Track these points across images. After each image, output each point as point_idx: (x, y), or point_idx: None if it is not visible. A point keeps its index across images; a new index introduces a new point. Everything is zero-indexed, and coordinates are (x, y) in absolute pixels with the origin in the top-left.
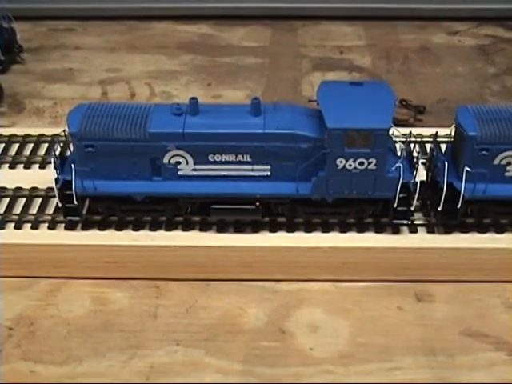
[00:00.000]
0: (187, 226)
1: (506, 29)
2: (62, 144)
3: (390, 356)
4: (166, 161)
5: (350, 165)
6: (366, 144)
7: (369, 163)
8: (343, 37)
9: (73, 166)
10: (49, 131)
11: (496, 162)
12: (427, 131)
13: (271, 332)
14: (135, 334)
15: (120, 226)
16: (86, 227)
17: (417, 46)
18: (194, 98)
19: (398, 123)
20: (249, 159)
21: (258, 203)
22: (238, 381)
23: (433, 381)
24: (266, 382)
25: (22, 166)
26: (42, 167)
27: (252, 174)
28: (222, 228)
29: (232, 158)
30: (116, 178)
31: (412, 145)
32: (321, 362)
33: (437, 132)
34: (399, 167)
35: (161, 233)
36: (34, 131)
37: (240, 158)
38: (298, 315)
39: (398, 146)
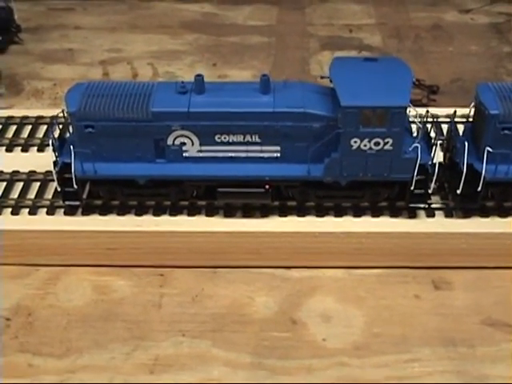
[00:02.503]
0: (193, 211)
1: None
2: (61, 125)
3: (407, 347)
4: (170, 142)
5: (365, 145)
6: (382, 123)
7: (385, 143)
8: (352, 15)
9: (72, 147)
10: (48, 113)
11: None
12: (442, 111)
13: (281, 322)
14: (138, 325)
15: (122, 211)
16: (86, 212)
17: (428, 25)
18: (199, 75)
19: (412, 103)
20: (258, 140)
21: (267, 186)
22: (248, 374)
23: (453, 373)
24: (277, 376)
25: (20, 148)
26: (40, 150)
27: (261, 155)
28: (229, 212)
29: (240, 138)
30: (117, 160)
31: (429, 125)
32: (334, 353)
33: (455, 111)
34: (417, 148)
35: (165, 218)
36: (32, 113)
37: (248, 138)
38: (309, 304)
39: (414, 126)
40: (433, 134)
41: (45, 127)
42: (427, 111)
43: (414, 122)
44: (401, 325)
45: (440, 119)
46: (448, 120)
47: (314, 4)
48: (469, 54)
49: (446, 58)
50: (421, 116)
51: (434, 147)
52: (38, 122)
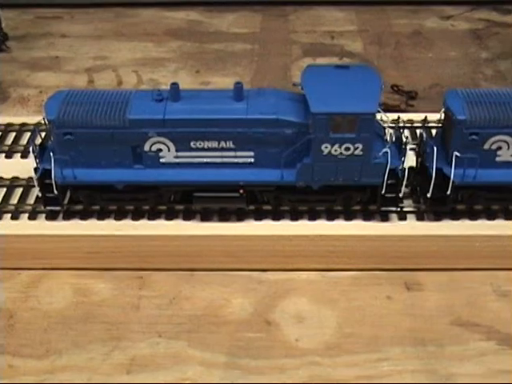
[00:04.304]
0: (170, 215)
1: (500, 12)
2: (43, 132)
3: (378, 347)
4: (147, 148)
5: (336, 150)
6: (351, 129)
7: (355, 148)
8: (335, 22)
9: (52, 154)
10: (32, 120)
11: (486, 146)
12: (419, 116)
13: (256, 323)
14: (117, 326)
15: (102, 216)
16: (67, 217)
17: (409, 31)
18: (175, 84)
19: (390, 109)
20: (232, 145)
21: (241, 191)
22: (222, 373)
23: (422, 372)
24: (250, 375)
25: (4, 155)
26: (23, 156)
27: (235, 160)
28: (205, 217)
29: (214, 144)
30: (96, 166)
31: (401, 130)
32: (307, 353)
33: (426, 117)
34: (386, 153)
35: (144, 222)
36: (17, 120)
37: (223, 144)
38: (283, 306)
39: (387, 131)
40: (404, 139)
41: (29, 134)
42: (398, 117)
43: (385, 128)
44: (372, 325)
45: (415, 124)
46: (419, 125)
47: (298, 11)
48: (448, 59)
49: (425, 63)
50: (393, 121)
51: (404, 152)
52: (22, 128)
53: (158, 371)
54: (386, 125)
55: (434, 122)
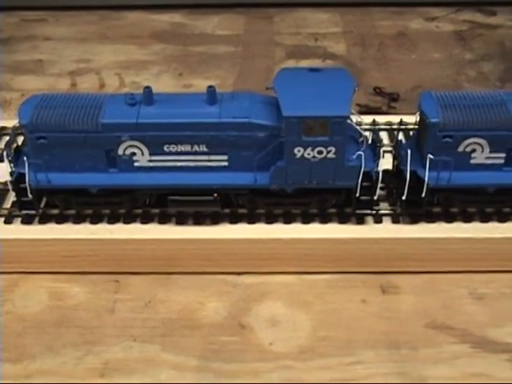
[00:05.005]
0: (146, 219)
1: (485, 14)
2: (21, 136)
3: (352, 350)
4: (120, 152)
5: (309, 154)
6: (323, 132)
7: (328, 152)
8: (319, 24)
9: (26, 158)
10: (11, 124)
11: (460, 149)
12: (398, 118)
13: (230, 326)
14: (91, 330)
15: (78, 220)
16: (43, 221)
17: (393, 33)
18: (147, 87)
19: (371, 111)
20: (205, 149)
21: (216, 194)
22: (194, 377)
23: (394, 375)
24: (223, 379)
25: None
26: (1, 160)
27: (209, 164)
28: (181, 220)
29: (188, 148)
30: (70, 170)
31: (376, 132)
32: (280, 357)
33: (401, 119)
34: (360, 155)
35: (119, 226)
36: None
37: (196, 148)
38: (258, 309)
39: (367, 133)
40: (379, 142)
41: (7, 138)
42: (374, 119)
43: (360, 130)
44: (346, 328)
45: (394, 126)
46: (395, 127)
47: (282, 13)
48: (431, 61)
49: (408, 65)
50: (369, 124)
51: (379, 154)
52: (1, 132)
53: (131, 375)
54: (361, 127)
55: (412, 124)
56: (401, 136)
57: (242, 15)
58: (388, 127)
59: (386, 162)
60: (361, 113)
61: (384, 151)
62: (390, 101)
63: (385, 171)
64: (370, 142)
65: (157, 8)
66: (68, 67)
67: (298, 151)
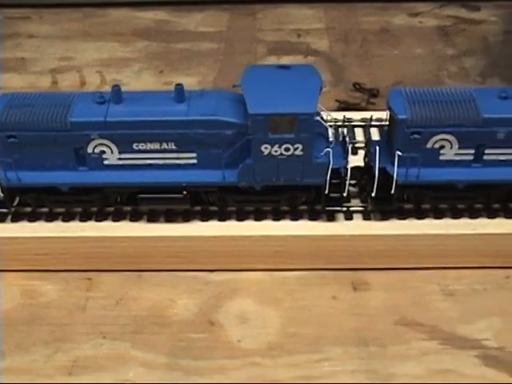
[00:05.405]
0: (117, 217)
1: (469, 9)
2: None
3: (320, 347)
4: (90, 150)
5: (276, 151)
6: (290, 129)
7: (295, 149)
8: (303, 20)
9: None
10: None
11: (429, 145)
12: (375, 115)
13: (200, 323)
14: (62, 328)
15: (50, 218)
16: (15, 219)
17: (377, 28)
18: (116, 86)
19: (350, 107)
20: (174, 147)
21: (185, 192)
22: (162, 374)
23: (362, 372)
24: (191, 376)
25: None
26: None
27: (178, 162)
28: (152, 218)
29: (157, 146)
30: (40, 168)
31: (346, 129)
32: (248, 353)
33: (371, 116)
34: (328, 152)
35: (91, 223)
36: None
37: (165, 145)
38: (228, 306)
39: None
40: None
41: None
42: (344, 116)
43: (327, 127)
44: (316, 325)
45: (373, 123)
46: (366, 124)
47: (267, 9)
48: (414, 57)
49: (390, 61)
50: (340, 120)
51: (348, 151)
52: None
53: (100, 372)
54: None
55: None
56: (376, 132)
57: (226, 12)
58: (362, 124)
59: (360, 159)
60: (339, 109)
61: (358, 148)
62: (370, 97)
63: (357, 168)
64: (340, 138)
65: (141, 5)
66: (50, 65)
67: (265, 148)
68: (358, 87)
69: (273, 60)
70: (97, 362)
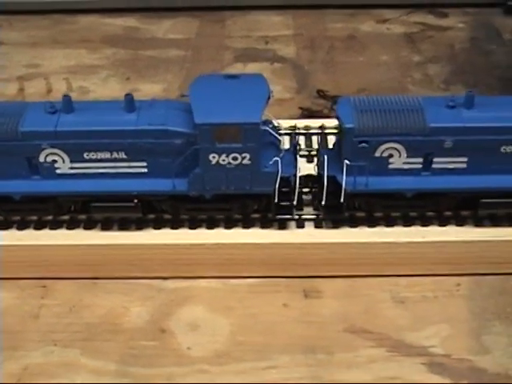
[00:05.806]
0: (72, 225)
1: (437, 16)
2: None
3: (267, 354)
4: (42, 159)
5: (224, 160)
6: (236, 139)
7: (242, 158)
8: (271, 26)
9: None
10: None
11: (377, 154)
12: (334, 122)
13: (151, 331)
14: (14, 335)
15: (5, 226)
16: None
17: (344, 35)
18: (66, 96)
19: (313, 114)
20: (124, 156)
21: (136, 200)
22: (110, 381)
23: (308, 380)
24: (138, 383)
25: None
26: None
27: (129, 170)
28: (106, 226)
29: (107, 155)
30: None
31: (303, 137)
32: (196, 361)
33: (323, 124)
34: (277, 161)
35: (46, 232)
36: None
37: (115, 155)
38: (180, 314)
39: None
40: (297, 147)
41: None
42: (295, 124)
43: (276, 136)
44: (265, 333)
45: (328, 130)
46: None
47: (235, 16)
48: (379, 63)
49: (355, 68)
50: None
51: (297, 160)
52: None
53: (49, 380)
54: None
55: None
56: (333, 140)
57: (196, 19)
58: (319, 132)
59: (313, 167)
60: (302, 116)
61: (313, 156)
62: (333, 104)
63: (310, 176)
64: (290, 147)
65: (111, 12)
66: (17, 72)
67: (213, 158)
68: (321, 94)
69: (239, 67)
70: (47, 369)
